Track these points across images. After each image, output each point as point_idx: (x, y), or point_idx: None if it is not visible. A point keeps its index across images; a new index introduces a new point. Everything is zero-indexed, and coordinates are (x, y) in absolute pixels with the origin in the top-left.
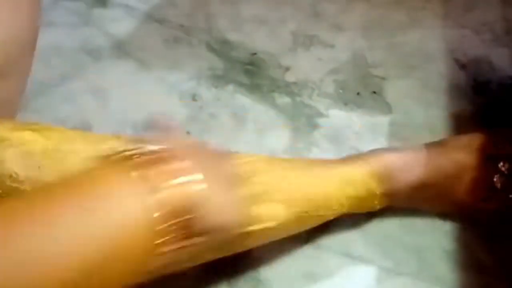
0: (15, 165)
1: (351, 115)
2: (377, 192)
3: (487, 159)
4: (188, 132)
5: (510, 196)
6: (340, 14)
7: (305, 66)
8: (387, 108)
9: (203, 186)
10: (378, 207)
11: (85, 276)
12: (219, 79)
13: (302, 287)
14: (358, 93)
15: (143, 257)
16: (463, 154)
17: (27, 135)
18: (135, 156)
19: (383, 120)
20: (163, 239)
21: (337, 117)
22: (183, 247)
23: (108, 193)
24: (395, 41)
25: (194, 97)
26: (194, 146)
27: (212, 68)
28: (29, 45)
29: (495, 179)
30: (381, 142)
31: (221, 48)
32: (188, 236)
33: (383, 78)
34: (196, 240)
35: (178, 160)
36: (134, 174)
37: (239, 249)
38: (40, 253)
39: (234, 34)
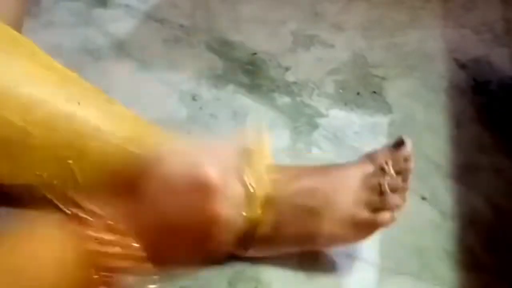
0: None
1: (351, 115)
2: None
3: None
4: (188, 132)
5: (402, 194)
6: (340, 14)
7: (305, 66)
8: (387, 108)
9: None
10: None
11: None
12: (219, 79)
13: (302, 287)
14: (358, 93)
15: None
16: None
17: None
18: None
19: (383, 120)
20: None
21: (337, 117)
22: None
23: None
24: (395, 41)
25: (194, 97)
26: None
27: (212, 68)
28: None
29: (380, 181)
30: (381, 142)
31: (221, 48)
32: None
33: (383, 78)
34: None
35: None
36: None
37: None
38: None
39: (234, 34)
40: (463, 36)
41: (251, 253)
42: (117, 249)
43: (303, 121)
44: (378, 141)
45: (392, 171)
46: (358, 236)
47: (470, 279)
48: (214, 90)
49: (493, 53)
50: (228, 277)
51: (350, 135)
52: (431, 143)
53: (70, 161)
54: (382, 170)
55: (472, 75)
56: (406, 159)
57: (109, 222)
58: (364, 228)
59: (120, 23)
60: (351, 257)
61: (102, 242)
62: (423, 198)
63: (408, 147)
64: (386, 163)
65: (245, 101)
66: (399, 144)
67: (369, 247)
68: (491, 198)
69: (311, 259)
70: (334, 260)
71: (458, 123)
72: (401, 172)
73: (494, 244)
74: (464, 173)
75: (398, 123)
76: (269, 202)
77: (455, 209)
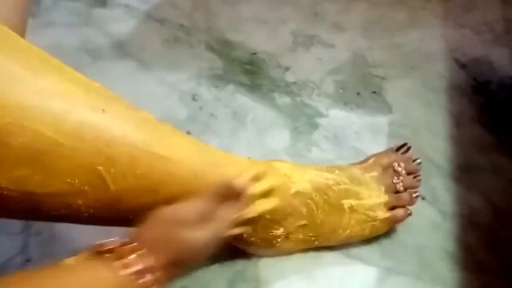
0: None
1: (351, 115)
2: None
3: (384, 170)
4: (188, 132)
5: (414, 191)
6: (340, 14)
7: (305, 66)
8: (387, 108)
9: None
10: None
11: None
12: (219, 79)
13: (302, 287)
14: (358, 93)
15: None
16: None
17: None
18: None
19: (383, 120)
20: None
21: (337, 117)
22: None
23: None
24: (395, 41)
25: (194, 97)
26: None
27: (212, 68)
28: (19, 28)
29: (394, 181)
30: (381, 142)
31: (221, 48)
32: None
33: (383, 78)
34: None
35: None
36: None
37: None
38: None
39: (234, 34)
40: (463, 36)
41: (270, 251)
42: (140, 267)
43: (303, 121)
44: (378, 141)
45: (404, 172)
46: (375, 232)
47: (470, 279)
48: (214, 90)
49: (493, 53)
50: (228, 277)
51: (350, 135)
52: (431, 143)
53: (100, 168)
54: (395, 171)
55: (472, 75)
56: (414, 160)
57: (133, 245)
58: (381, 225)
59: (120, 23)
60: (351, 257)
61: (129, 264)
62: (423, 198)
63: (411, 151)
64: (399, 164)
65: (245, 101)
66: (403, 147)
67: (369, 247)
68: (491, 198)
69: (311, 259)
70: (334, 260)
71: (458, 123)
72: (413, 172)
73: (494, 244)
74: (464, 173)
75: (398, 123)
76: (289, 197)
77: (455, 209)
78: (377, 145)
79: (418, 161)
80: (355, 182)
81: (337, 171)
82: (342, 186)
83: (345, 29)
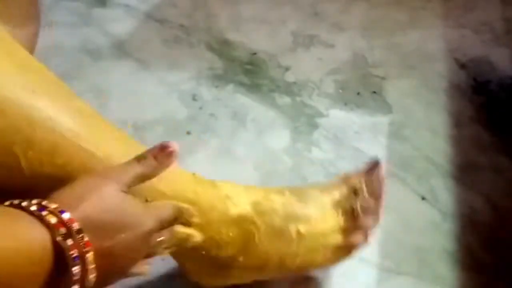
0: None
1: (351, 115)
2: None
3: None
4: (188, 132)
5: (374, 215)
6: (340, 14)
7: (305, 66)
8: (387, 108)
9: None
10: None
11: None
12: (219, 79)
13: (303, 286)
14: (358, 93)
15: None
16: None
17: None
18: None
19: (383, 120)
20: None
21: (337, 117)
22: None
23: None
24: (395, 41)
25: (194, 97)
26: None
27: (212, 68)
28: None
29: (354, 206)
30: (381, 142)
31: (221, 48)
32: None
33: (383, 78)
34: None
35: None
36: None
37: None
38: None
39: (234, 34)
40: (463, 36)
41: (214, 280)
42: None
43: (303, 121)
44: (378, 141)
45: (366, 193)
46: (329, 261)
47: (470, 279)
48: (214, 90)
49: (493, 53)
50: None
51: (350, 135)
52: (431, 143)
53: (17, 148)
54: (355, 192)
55: (472, 75)
56: (379, 179)
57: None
58: (337, 252)
59: (120, 23)
60: (351, 257)
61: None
62: (423, 198)
63: (382, 167)
64: (360, 185)
65: (245, 101)
66: (373, 165)
67: (369, 247)
68: (491, 198)
69: None
70: None
71: (458, 123)
72: (374, 194)
73: (494, 244)
74: (464, 173)
75: (398, 123)
76: (239, 221)
77: (455, 209)
78: (377, 145)
79: (383, 179)
80: (307, 205)
81: (287, 193)
82: (290, 209)
83: (345, 29)
